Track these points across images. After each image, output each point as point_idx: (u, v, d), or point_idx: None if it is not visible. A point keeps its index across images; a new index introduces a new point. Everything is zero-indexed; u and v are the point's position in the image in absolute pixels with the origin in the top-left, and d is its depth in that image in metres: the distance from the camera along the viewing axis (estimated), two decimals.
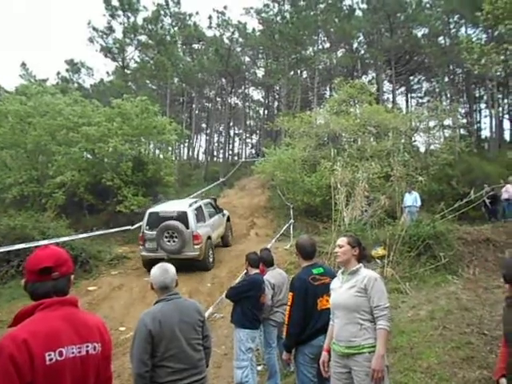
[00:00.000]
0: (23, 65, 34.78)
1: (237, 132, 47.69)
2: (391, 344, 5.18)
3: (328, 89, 35.48)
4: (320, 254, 10.16)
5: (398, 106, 29.17)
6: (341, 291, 3.00)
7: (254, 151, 38.98)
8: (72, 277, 1.88)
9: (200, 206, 11.14)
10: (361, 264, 3.07)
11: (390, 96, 33.00)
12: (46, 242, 9.08)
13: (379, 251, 9.64)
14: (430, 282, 8.28)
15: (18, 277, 9.62)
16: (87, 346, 1.74)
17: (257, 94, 44.13)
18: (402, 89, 36.47)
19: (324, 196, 14.73)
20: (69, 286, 1.84)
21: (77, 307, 1.83)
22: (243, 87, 40.56)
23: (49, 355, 1.62)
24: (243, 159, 36.06)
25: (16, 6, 65.60)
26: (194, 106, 36.55)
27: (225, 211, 13.40)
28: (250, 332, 4.48)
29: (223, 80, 35.24)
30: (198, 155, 42.45)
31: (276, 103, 40.83)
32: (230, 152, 44.28)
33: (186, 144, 39.41)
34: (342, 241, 3.10)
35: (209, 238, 10.63)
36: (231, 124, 43.59)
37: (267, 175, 19.01)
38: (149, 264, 8.83)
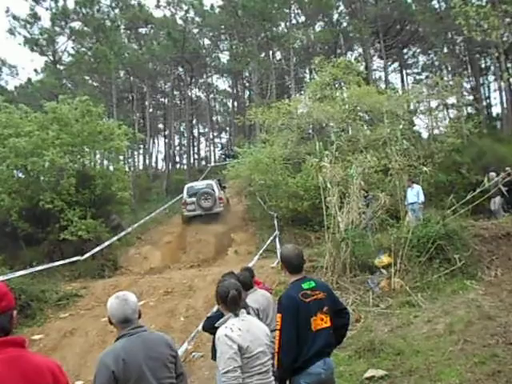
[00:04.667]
0: None
1: (202, 131, 47.82)
2: (405, 367, 5.33)
3: (307, 71, 36.04)
4: (314, 268, 10.33)
5: (391, 86, 29.99)
6: None
7: (224, 153, 39.08)
8: (15, 312, 1.91)
9: (216, 182, 19.38)
10: (229, 314, 3.29)
11: (382, 74, 33.91)
12: None
13: (384, 259, 9.85)
14: (446, 291, 8.51)
15: None
16: None
17: (222, 84, 44.65)
18: (395, 65, 37.36)
19: (313, 199, 14.92)
20: (11, 324, 1.87)
21: (24, 348, 1.85)
22: (205, 76, 40.73)
23: None
24: (212, 163, 36.13)
25: None
26: (146, 103, 36.47)
27: (225, 188, 20.84)
28: None
29: (180, 69, 35.34)
30: (156, 163, 42.31)
31: (247, 93, 41.14)
32: (196, 156, 44.39)
33: (141, 150, 39.28)
34: None
35: (224, 200, 18.95)
36: (194, 122, 43.65)
37: (243, 180, 19.10)
38: (188, 220, 18.32)
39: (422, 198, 13.11)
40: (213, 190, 18.15)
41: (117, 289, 10.81)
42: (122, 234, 15.95)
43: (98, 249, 13.88)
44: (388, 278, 9.19)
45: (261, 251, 13.62)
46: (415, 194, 13.03)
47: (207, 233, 16.94)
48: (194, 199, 17.94)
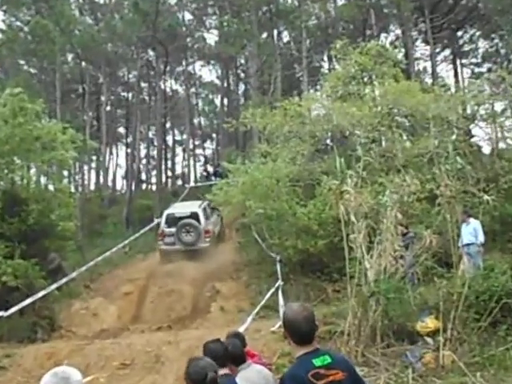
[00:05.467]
0: None
1: (178, 139, 47.97)
2: None
3: (325, 59, 36.38)
4: (331, 334, 10.27)
5: (441, 81, 30.09)
6: None
7: (206, 169, 39.10)
8: None
9: (205, 208, 20.50)
10: None
11: (428, 65, 34.17)
12: None
13: (429, 323, 9.84)
14: None
15: None
16: None
17: (209, 74, 45.09)
18: (446, 52, 37.76)
19: (331, 237, 14.95)
20: None
21: None
22: (185, 63, 41.07)
23: None
24: (192, 183, 36.12)
25: None
26: (103, 98, 36.69)
27: (220, 211, 21.96)
28: None
29: (150, 53, 35.65)
30: (114, 182, 42.38)
31: (242, 87, 41.44)
32: (169, 173, 44.40)
33: (94, 164, 39.29)
34: None
35: (213, 232, 20.23)
36: (168, 125, 43.79)
37: (234, 208, 19.10)
38: (167, 256, 19.03)
39: (481, 238, 13.04)
40: (198, 221, 19.10)
41: (54, 358, 10.74)
42: (64, 280, 15.85)
43: (28, 301, 13.74)
44: (435, 350, 9.14)
45: (257, 309, 13.55)
46: (472, 231, 12.98)
47: (182, 280, 16.83)
48: (173, 230, 19.02)
